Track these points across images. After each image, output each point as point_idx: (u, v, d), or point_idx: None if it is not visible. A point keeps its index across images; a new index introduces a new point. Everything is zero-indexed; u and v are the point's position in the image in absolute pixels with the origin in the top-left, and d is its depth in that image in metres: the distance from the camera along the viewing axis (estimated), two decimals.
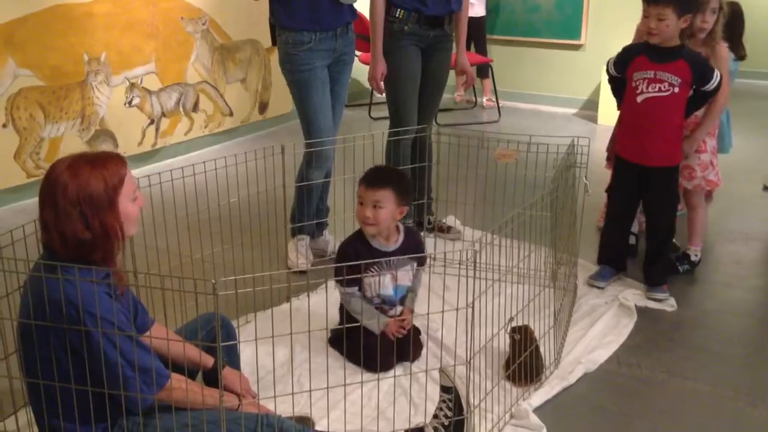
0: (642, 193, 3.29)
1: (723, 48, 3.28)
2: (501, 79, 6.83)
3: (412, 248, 2.71)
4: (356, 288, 2.63)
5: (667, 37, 3.03)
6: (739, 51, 3.70)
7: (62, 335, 1.76)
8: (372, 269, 2.61)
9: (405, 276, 2.70)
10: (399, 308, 2.72)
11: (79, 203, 1.77)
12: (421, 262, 2.76)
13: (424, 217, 3.77)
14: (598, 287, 3.32)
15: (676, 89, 3.05)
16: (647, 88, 3.11)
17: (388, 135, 3.64)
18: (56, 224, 1.77)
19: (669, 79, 3.05)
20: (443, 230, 3.82)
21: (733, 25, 3.54)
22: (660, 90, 3.08)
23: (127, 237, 1.88)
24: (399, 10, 3.45)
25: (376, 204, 2.58)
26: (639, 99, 3.14)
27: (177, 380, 1.90)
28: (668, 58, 3.05)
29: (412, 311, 2.72)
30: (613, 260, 3.41)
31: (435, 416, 2.28)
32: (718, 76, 3.05)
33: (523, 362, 2.53)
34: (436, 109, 3.86)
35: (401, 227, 2.72)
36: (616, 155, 3.34)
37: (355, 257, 2.51)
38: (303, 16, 3.21)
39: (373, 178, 2.63)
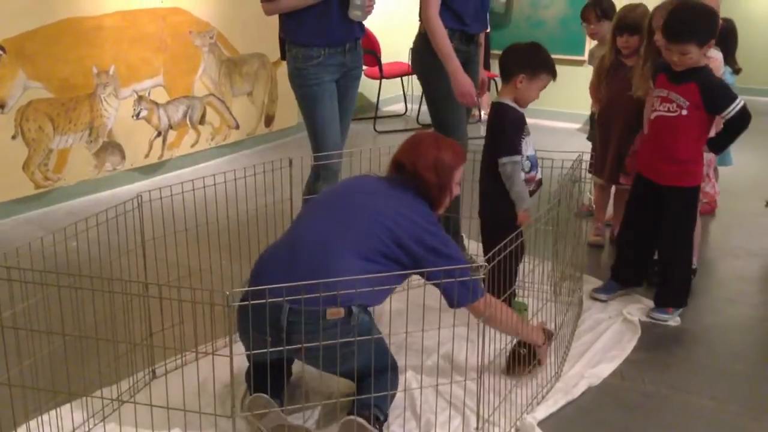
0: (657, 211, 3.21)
1: (710, 61, 3.19)
2: None
3: None
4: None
5: (691, 66, 2.99)
6: (733, 65, 3.73)
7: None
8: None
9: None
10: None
11: (436, 161, 2.49)
12: None
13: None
14: (600, 300, 3.34)
15: (684, 111, 3.00)
16: (660, 106, 3.09)
17: None
18: (416, 165, 2.47)
19: (677, 100, 3.02)
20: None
21: (727, 41, 3.56)
22: (668, 110, 3.05)
23: (447, 202, 2.54)
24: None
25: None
26: (652, 116, 3.14)
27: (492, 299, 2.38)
28: (682, 79, 3.01)
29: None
30: (621, 275, 3.40)
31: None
32: (739, 103, 2.95)
33: (520, 353, 2.59)
34: (468, 120, 3.83)
35: None
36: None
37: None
38: (313, 31, 3.25)
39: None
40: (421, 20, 3.49)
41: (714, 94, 2.98)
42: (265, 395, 2.18)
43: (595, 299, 3.35)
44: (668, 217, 3.18)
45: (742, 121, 2.98)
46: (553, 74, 3.06)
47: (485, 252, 3.02)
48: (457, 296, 2.27)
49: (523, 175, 2.98)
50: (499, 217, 3.03)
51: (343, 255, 2.23)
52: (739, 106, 2.96)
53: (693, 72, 3.00)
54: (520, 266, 3.00)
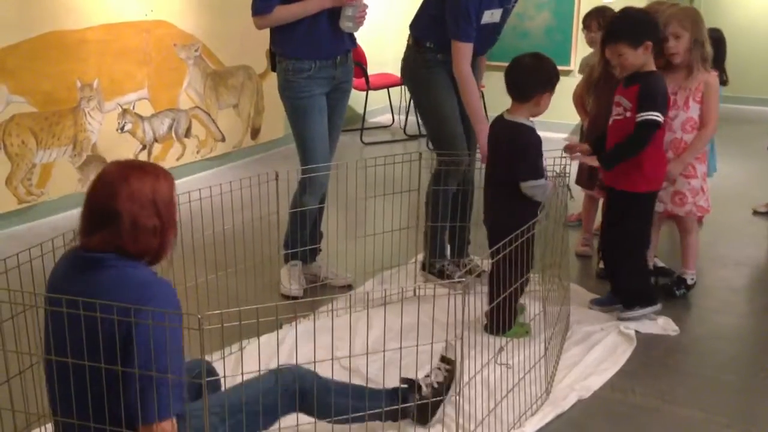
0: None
1: (711, 76, 3.26)
2: (492, 105, 6.86)
3: None
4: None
5: (632, 69, 3.02)
6: (721, 77, 3.74)
7: None
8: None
9: None
10: None
11: (155, 195, 1.82)
12: None
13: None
14: (592, 310, 3.33)
15: (628, 114, 3.04)
16: (614, 110, 3.14)
17: (436, 166, 3.44)
18: (133, 212, 1.79)
19: (624, 103, 3.07)
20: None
21: (716, 52, 3.58)
22: (617, 114, 3.10)
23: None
24: (428, 41, 3.36)
25: None
26: (611, 121, 3.17)
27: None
28: (630, 82, 3.06)
29: None
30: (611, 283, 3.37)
31: (427, 376, 2.36)
32: (652, 116, 2.94)
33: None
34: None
35: None
36: None
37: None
38: (303, 44, 3.23)
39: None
40: (412, 41, 3.43)
41: (642, 94, 2.98)
42: None
43: (590, 308, 3.33)
44: (617, 219, 3.18)
45: (641, 132, 2.97)
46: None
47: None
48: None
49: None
50: (504, 229, 2.94)
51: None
52: (649, 117, 2.95)
53: (640, 76, 3.03)
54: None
